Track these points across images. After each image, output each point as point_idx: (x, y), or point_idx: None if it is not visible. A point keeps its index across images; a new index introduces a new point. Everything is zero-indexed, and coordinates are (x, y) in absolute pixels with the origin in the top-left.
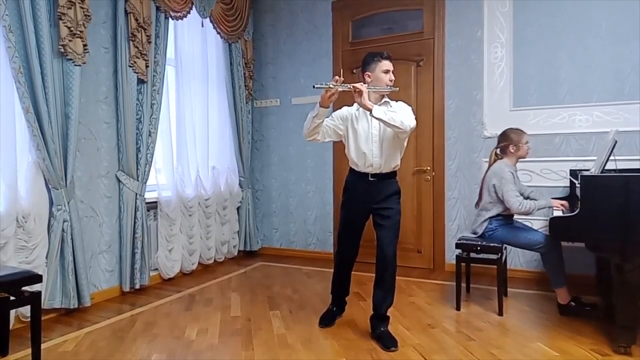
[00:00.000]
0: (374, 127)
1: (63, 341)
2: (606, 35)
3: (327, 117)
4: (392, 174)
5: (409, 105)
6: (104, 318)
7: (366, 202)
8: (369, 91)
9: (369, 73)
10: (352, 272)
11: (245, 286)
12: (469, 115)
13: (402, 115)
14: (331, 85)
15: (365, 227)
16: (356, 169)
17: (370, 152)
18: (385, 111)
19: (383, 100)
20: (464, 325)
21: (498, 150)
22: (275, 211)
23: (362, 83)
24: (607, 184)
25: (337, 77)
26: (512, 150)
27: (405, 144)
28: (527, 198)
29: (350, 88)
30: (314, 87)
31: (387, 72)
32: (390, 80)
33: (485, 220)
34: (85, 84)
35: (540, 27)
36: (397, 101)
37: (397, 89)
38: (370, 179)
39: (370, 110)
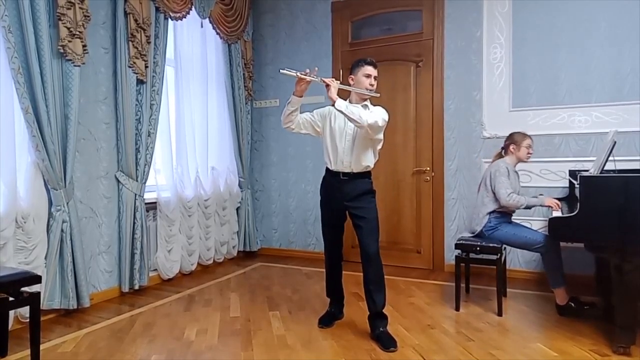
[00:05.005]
0: (349, 127)
1: (62, 342)
2: (605, 35)
3: (306, 112)
4: (365, 174)
5: (387, 111)
6: (103, 319)
7: (339, 199)
8: (351, 94)
9: (352, 76)
10: (351, 273)
11: (244, 287)
12: (468, 116)
13: (369, 113)
14: (299, 75)
15: (344, 228)
16: (329, 167)
17: (342, 149)
18: (348, 105)
19: (362, 104)
20: (464, 326)
21: (502, 150)
22: (274, 212)
23: (333, 79)
24: (606, 184)
25: (307, 70)
26: (512, 150)
27: (380, 146)
28: None
29: (318, 80)
30: (279, 71)
31: (368, 76)
32: (371, 85)
33: (483, 217)
34: (85, 84)
35: (540, 28)
36: (376, 106)
37: (378, 94)
38: (342, 177)
39: (334, 103)
